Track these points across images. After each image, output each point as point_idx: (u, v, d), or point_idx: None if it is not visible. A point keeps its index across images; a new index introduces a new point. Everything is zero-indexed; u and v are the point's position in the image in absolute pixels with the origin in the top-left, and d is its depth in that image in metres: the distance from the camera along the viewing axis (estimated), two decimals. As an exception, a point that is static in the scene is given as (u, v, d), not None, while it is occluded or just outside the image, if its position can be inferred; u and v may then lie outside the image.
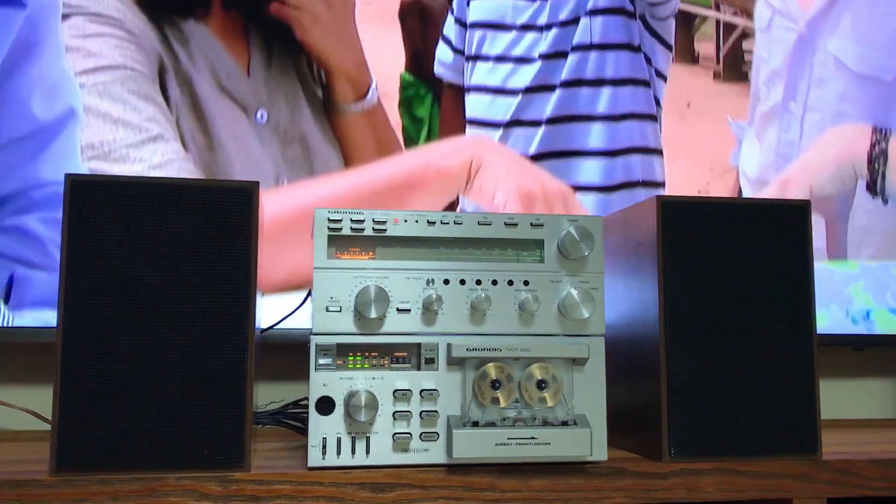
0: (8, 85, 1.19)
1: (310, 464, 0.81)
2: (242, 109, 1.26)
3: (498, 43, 1.38)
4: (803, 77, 1.47)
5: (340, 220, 0.85)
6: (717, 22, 1.49)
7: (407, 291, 0.85)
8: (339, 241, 0.85)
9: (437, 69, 1.36)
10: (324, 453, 0.81)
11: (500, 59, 1.37)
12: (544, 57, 1.37)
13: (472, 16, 1.38)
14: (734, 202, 0.92)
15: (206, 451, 0.79)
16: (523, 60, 1.37)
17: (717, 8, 1.49)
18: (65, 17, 1.21)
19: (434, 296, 0.84)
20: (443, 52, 1.37)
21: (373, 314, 0.83)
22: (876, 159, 1.46)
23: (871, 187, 1.46)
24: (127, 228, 0.80)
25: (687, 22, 1.48)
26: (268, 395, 1.18)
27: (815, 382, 0.90)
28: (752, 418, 0.88)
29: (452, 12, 1.38)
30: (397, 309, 0.84)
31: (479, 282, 0.86)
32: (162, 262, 0.80)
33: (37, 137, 1.20)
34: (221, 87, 1.25)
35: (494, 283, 0.86)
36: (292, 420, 1.07)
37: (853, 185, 1.46)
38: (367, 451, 0.82)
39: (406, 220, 0.86)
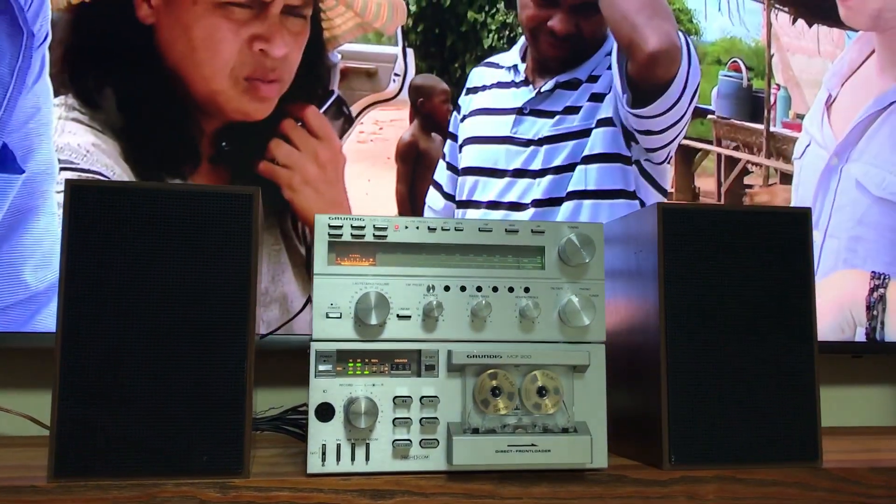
0: (0, 252, 1.17)
1: (309, 470, 0.81)
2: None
3: (490, 189, 1.36)
4: (826, 205, 1.46)
5: (341, 227, 0.84)
6: (719, 156, 1.46)
7: (407, 298, 0.84)
8: (339, 247, 0.85)
9: (427, 215, 1.35)
10: (323, 460, 0.81)
11: (493, 205, 1.35)
12: (537, 203, 1.35)
13: (465, 161, 1.37)
14: (735, 209, 0.92)
15: (205, 457, 0.79)
16: (516, 207, 1.35)
17: (719, 143, 1.47)
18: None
19: (434, 302, 0.84)
20: (433, 199, 1.36)
21: (373, 320, 0.82)
22: (874, 306, 1.43)
23: (871, 335, 1.43)
24: (126, 234, 0.80)
25: (687, 157, 1.45)
26: (266, 401, 1.18)
27: (815, 389, 0.90)
28: (753, 425, 0.88)
29: (444, 158, 1.37)
30: (397, 315, 0.84)
31: (479, 288, 0.86)
32: (161, 268, 0.80)
33: (26, 306, 1.17)
34: None
35: (495, 289, 0.86)
36: (291, 426, 1.07)
37: (852, 333, 1.43)
38: (367, 458, 0.82)
39: (407, 227, 0.86)
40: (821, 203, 1.46)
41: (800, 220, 0.92)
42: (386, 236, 0.85)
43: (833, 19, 1.51)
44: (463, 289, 0.86)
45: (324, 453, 0.81)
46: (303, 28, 1.28)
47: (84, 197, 0.80)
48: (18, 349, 1.22)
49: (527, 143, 1.36)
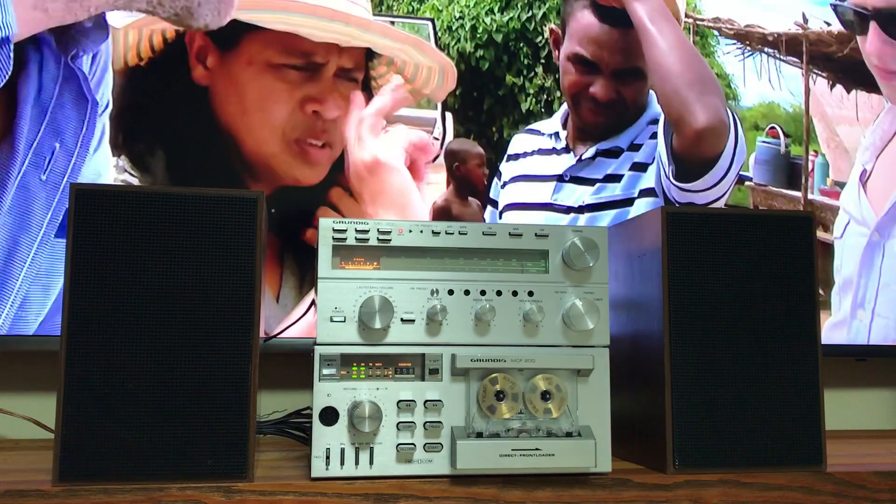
0: (56, 319, 1.17)
1: (313, 474, 0.81)
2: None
3: None
4: (872, 283, 1.44)
5: (345, 230, 0.85)
6: None
7: (411, 302, 0.85)
8: (343, 251, 0.85)
9: None
10: (327, 464, 0.81)
11: None
12: None
13: (505, 199, 1.37)
14: (738, 213, 0.92)
15: (209, 461, 0.79)
16: None
17: (756, 208, 1.46)
18: None
19: (438, 306, 0.84)
20: None
21: (377, 324, 0.82)
22: None
23: None
24: (131, 238, 0.80)
25: None
26: (269, 404, 1.18)
27: (819, 393, 0.90)
28: (757, 429, 0.88)
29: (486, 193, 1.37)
30: (401, 319, 0.84)
31: (483, 292, 0.86)
32: (166, 272, 0.80)
33: None
34: None
35: (499, 293, 0.86)
36: (295, 430, 1.07)
37: None
38: (371, 462, 0.82)
39: (411, 231, 0.86)
40: (865, 280, 1.44)
41: (803, 224, 0.92)
42: (390, 240, 0.85)
43: (871, 85, 1.50)
44: (467, 292, 0.86)
45: (328, 457, 0.81)
46: (354, 89, 1.28)
47: (89, 201, 0.80)
48: (21, 352, 1.22)
49: (567, 210, 1.36)
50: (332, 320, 0.83)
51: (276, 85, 1.24)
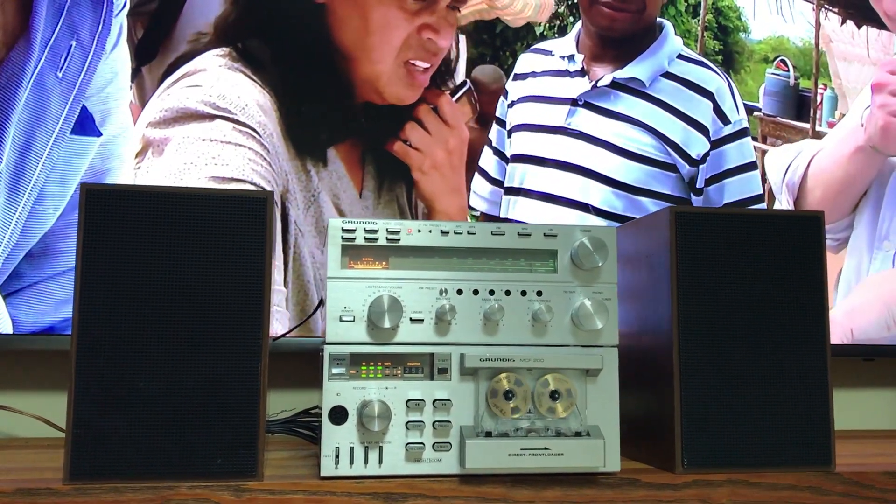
0: (75, 214, 1.19)
1: (322, 473, 0.81)
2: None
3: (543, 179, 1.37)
4: None
5: (354, 230, 0.85)
6: (763, 154, 1.45)
7: (420, 301, 0.85)
8: (352, 251, 0.85)
9: (472, 200, 1.37)
10: (336, 463, 0.81)
11: (546, 197, 1.36)
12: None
13: (514, 149, 1.37)
14: (748, 214, 0.92)
15: (218, 459, 0.79)
16: (572, 204, 1.36)
17: (764, 140, 1.46)
18: (210, 117, 1.22)
19: (447, 306, 0.84)
20: (478, 185, 1.37)
21: (386, 324, 0.83)
22: None
23: None
24: (142, 237, 0.80)
25: None
26: (278, 404, 1.18)
27: (828, 393, 0.90)
28: (766, 429, 0.88)
29: (490, 143, 1.37)
30: (410, 319, 0.84)
31: (492, 292, 0.86)
32: (176, 271, 0.80)
33: None
34: (338, 208, 1.29)
35: (507, 293, 0.86)
36: (304, 429, 1.07)
37: None
38: (380, 461, 0.82)
39: (419, 231, 0.86)
40: (891, 213, 1.43)
41: (812, 223, 0.92)
42: (399, 240, 0.85)
43: (881, 22, 1.49)
44: (476, 292, 0.86)
45: (337, 456, 0.81)
46: (456, 20, 1.34)
47: (99, 200, 0.80)
48: (31, 351, 1.22)
49: (578, 134, 1.36)
50: (341, 320, 0.83)
51: (397, 13, 1.29)
